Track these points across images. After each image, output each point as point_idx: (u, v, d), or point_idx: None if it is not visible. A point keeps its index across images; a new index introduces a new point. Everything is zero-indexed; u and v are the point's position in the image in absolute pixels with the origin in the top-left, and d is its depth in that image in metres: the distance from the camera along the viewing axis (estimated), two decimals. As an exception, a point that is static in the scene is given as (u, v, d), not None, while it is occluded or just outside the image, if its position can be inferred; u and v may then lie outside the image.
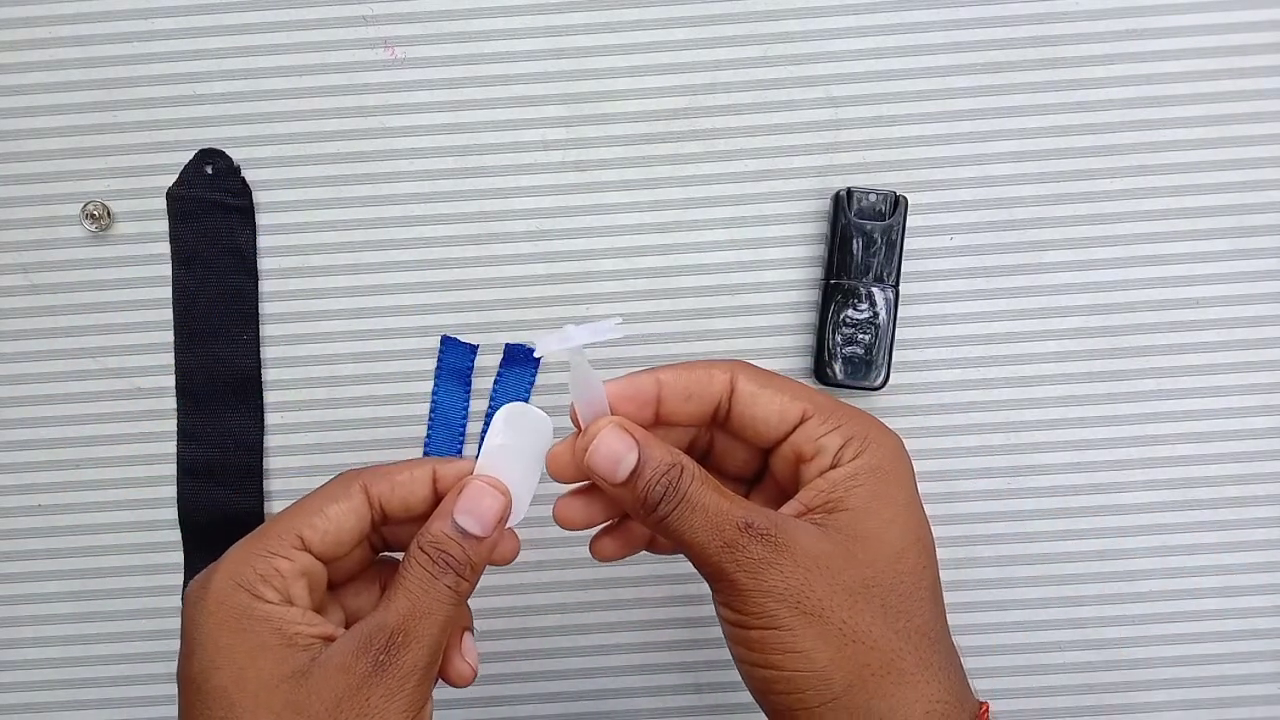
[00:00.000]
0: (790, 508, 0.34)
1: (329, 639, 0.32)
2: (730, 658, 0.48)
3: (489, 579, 0.48)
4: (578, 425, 0.34)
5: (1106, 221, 0.47)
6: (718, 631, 0.48)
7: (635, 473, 0.33)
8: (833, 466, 0.33)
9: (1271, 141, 0.47)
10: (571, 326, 0.32)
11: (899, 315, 0.47)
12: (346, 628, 0.34)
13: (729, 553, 0.32)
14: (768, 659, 0.32)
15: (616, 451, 0.33)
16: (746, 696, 0.48)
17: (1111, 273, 0.47)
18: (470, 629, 0.37)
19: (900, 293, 0.46)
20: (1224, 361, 0.48)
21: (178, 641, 0.48)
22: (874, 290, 0.46)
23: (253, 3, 0.47)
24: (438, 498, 0.34)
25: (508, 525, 0.35)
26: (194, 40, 0.47)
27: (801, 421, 0.34)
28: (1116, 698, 0.48)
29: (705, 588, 0.48)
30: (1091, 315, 0.48)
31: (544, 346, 0.32)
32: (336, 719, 0.31)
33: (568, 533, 0.48)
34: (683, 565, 0.48)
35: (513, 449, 0.35)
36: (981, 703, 0.34)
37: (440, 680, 0.36)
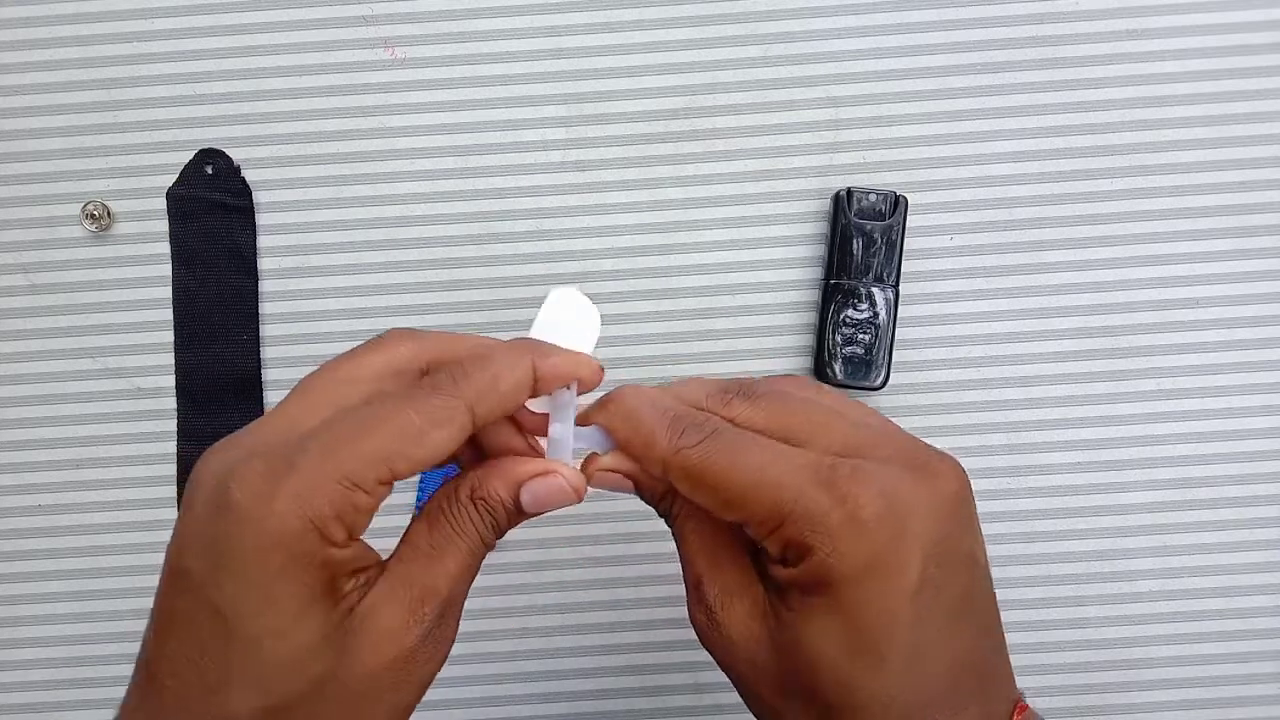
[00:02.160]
0: (773, 570, 0.31)
1: (361, 573, 0.29)
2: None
3: (488, 579, 0.48)
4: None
5: (1106, 221, 0.47)
6: (718, 631, 0.48)
7: (638, 490, 0.33)
8: (778, 562, 0.30)
9: (1271, 141, 0.47)
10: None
11: (899, 315, 0.47)
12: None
13: (687, 599, 0.32)
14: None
15: (613, 485, 0.33)
16: (746, 696, 0.48)
17: (1111, 273, 0.47)
18: None
19: (900, 293, 0.46)
20: (1224, 361, 0.48)
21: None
22: (874, 290, 0.46)
23: (253, 3, 0.47)
24: (533, 393, 0.31)
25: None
26: (194, 40, 0.47)
27: (741, 523, 0.30)
28: (1116, 698, 0.48)
29: (705, 588, 0.48)
30: (1091, 315, 0.48)
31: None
32: (377, 685, 0.28)
33: (568, 532, 0.48)
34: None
35: (564, 327, 0.34)
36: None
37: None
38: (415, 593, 0.29)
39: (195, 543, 0.27)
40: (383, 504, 0.28)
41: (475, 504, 0.30)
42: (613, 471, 0.32)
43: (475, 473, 0.31)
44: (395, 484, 0.28)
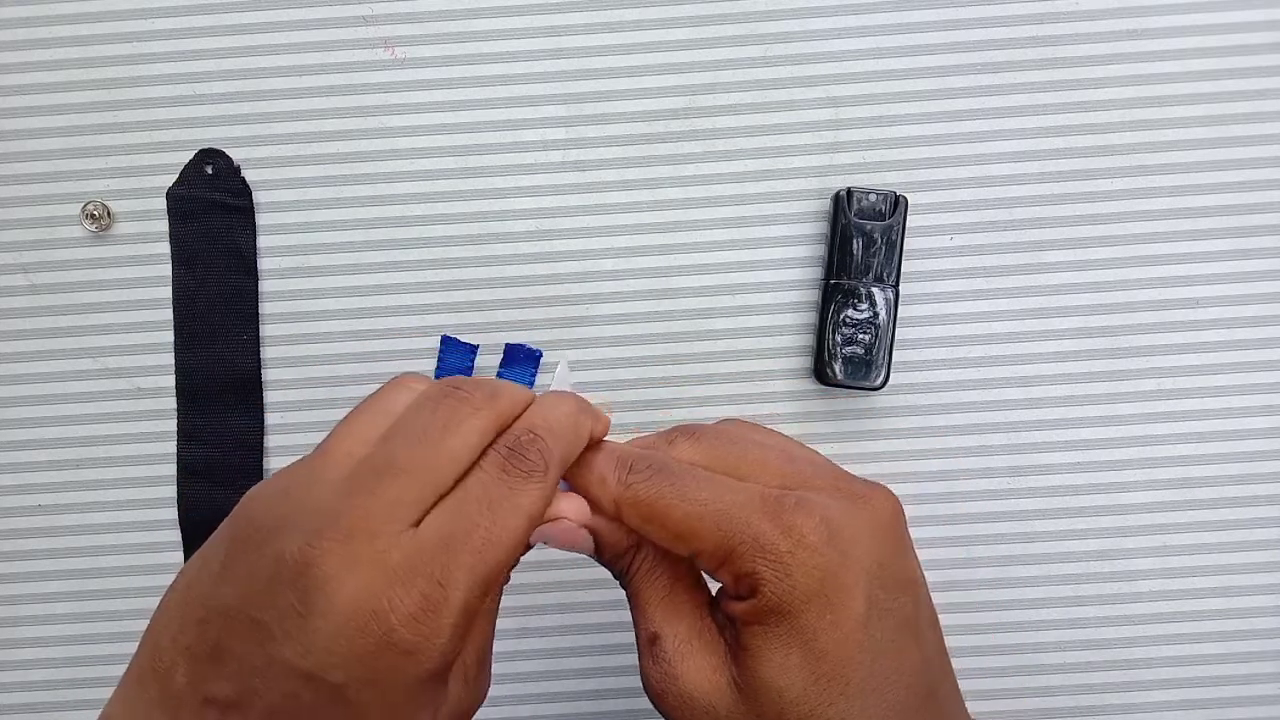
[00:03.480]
0: (725, 611, 0.32)
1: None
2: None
3: (489, 579, 0.48)
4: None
5: (1106, 221, 0.47)
6: (718, 631, 0.48)
7: (597, 550, 0.33)
8: (734, 599, 0.31)
9: (1271, 141, 0.47)
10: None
11: (899, 315, 0.47)
12: None
13: (640, 656, 0.33)
14: None
15: (573, 542, 0.33)
16: (746, 696, 0.48)
17: (1111, 273, 0.47)
18: None
19: (900, 293, 0.46)
20: (1224, 361, 0.47)
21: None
22: (874, 290, 0.46)
23: (253, 3, 0.47)
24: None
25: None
26: (194, 40, 0.47)
27: (694, 558, 0.31)
28: (1116, 698, 0.48)
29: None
30: (1091, 315, 0.48)
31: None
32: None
33: (568, 533, 0.48)
34: (683, 565, 0.48)
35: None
36: None
37: None
38: (463, 667, 0.31)
39: (340, 657, 0.27)
40: None
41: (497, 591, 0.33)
42: (570, 523, 0.32)
43: None
44: None
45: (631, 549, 0.33)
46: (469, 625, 0.28)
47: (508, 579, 0.33)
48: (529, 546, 0.31)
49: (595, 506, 0.32)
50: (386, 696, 0.27)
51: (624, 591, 0.34)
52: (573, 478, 0.33)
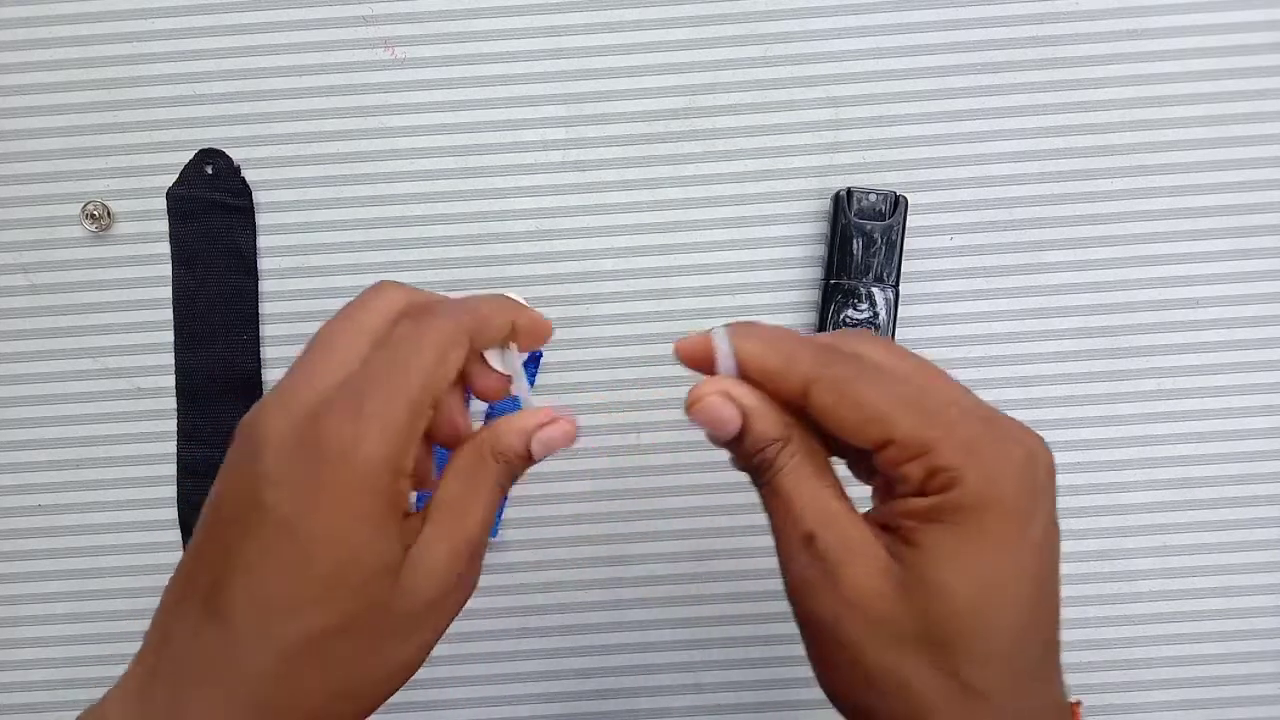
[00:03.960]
0: (873, 513, 0.31)
1: (410, 517, 0.31)
2: (726, 661, 0.48)
3: (488, 579, 0.48)
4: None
5: (1106, 221, 0.47)
6: (718, 632, 0.48)
7: (739, 436, 0.32)
8: (916, 494, 0.30)
9: (1271, 141, 0.47)
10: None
11: (899, 315, 0.47)
12: None
13: (787, 557, 0.31)
14: (813, 664, 0.32)
15: (718, 416, 0.32)
16: (746, 696, 0.48)
17: (1111, 273, 0.47)
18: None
19: (900, 293, 0.46)
20: (1224, 361, 0.47)
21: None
22: (874, 290, 0.46)
23: (253, 3, 0.47)
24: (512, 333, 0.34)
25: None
26: (194, 40, 0.47)
27: (881, 446, 0.30)
28: (1116, 698, 0.48)
29: (706, 588, 0.48)
30: (1091, 315, 0.48)
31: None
32: (418, 618, 0.31)
33: (568, 531, 0.48)
34: (683, 565, 0.48)
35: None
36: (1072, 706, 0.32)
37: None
38: (456, 539, 0.31)
39: (278, 482, 0.29)
40: None
41: (495, 459, 0.33)
42: (730, 400, 0.32)
43: (489, 431, 0.33)
44: None
45: (780, 440, 0.31)
46: (398, 441, 0.29)
47: (520, 474, 0.34)
48: (505, 394, 0.34)
49: (771, 384, 0.31)
50: (330, 519, 0.29)
51: (758, 492, 0.33)
52: (755, 356, 0.32)
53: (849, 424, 0.30)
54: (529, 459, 0.33)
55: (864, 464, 0.33)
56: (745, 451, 0.32)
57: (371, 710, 0.32)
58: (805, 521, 0.31)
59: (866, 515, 0.32)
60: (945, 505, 0.29)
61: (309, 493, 0.29)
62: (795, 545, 0.31)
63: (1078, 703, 0.33)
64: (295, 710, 0.30)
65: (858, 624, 0.30)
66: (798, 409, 0.32)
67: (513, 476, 0.33)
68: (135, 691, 0.30)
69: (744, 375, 0.32)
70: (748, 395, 0.32)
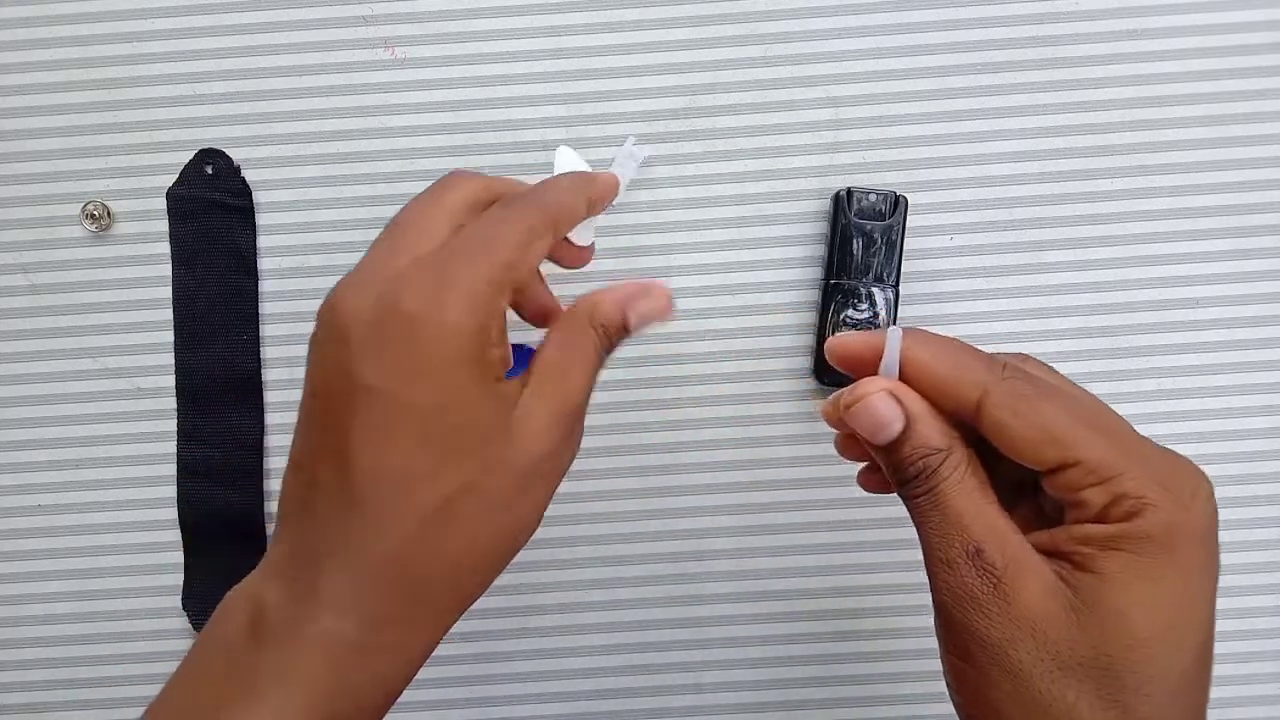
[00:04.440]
0: (1044, 537, 0.30)
1: (503, 381, 0.32)
2: (726, 661, 0.48)
3: (489, 579, 0.48)
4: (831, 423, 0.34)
5: (1106, 221, 0.47)
6: (718, 632, 0.48)
7: (897, 442, 0.31)
8: (1095, 520, 0.29)
9: (1271, 141, 0.47)
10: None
11: (899, 315, 0.47)
12: None
13: (946, 572, 0.30)
14: (959, 686, 0.31)
15: (881, 417, 0.31)
16: (747, 696, 0.48)
17: (1111, 273, 0.47)
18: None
19: (900, 293, 0.46)
20: (1224, 361, 0.47)
21: (177, 642, 0.48)
22: (874, 290, 0.46)
23: (253, 3, 0.47)
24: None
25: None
26: (194, 40, 0.47)
27: (1060, 468, 0.29)
28: (1116, 698, 0.48)
29: (706, 588, 0.48)
30: (1091, 315, 0.48)
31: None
32: (531, 474, 0.32)
33: (568, 531, 0.48)
34: (683, 565, 0.48)
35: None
36: None
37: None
38: (557, 400, 0.32)
39: (373, 359, 0.30)
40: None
41: (595, 328, 0.33)
42: (895, 400, 0.31)
43: (587, 302, 0.34)
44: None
45: (941, 451, 0.31)
46: (483, 310, 0.31)
47: (616, 345, 0.35)
48: (627, 330, 0.34)
49: (941, 393, 0.31)
50: (432, 387, 0.30)
51: (908, 503, 0.31)
52: (928, 361, 0.31)
53: (1027, 442, 0.29)
54: (626, 329, 0.34)
55: (1015, 487, 0.32)
56: (901, 460, 0.31)
57: (499, 570, 0.33)
58: (974, 534, 0.30)
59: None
60: (1130, 534, 0.29)
61: (405, 365, 0.30)
62: (959, 558, 0.30)
63: None
64: (434, 574, 0.31)
65: (1028, 645, 0.29)
66: (960, 424, 0.31)
67: (610, 346, 0.34)
68: (277, 570, 0.31)
69: (908, 382, 0.31)
70: (913, 399, 0.31)
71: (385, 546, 0.30)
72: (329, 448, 0.30)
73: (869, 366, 0.32)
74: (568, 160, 0.43)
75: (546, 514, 0.49)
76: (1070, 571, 0.29)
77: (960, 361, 0.31)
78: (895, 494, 0.33)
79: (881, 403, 0.31)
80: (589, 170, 0.38)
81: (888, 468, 0.32)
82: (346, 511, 0.30)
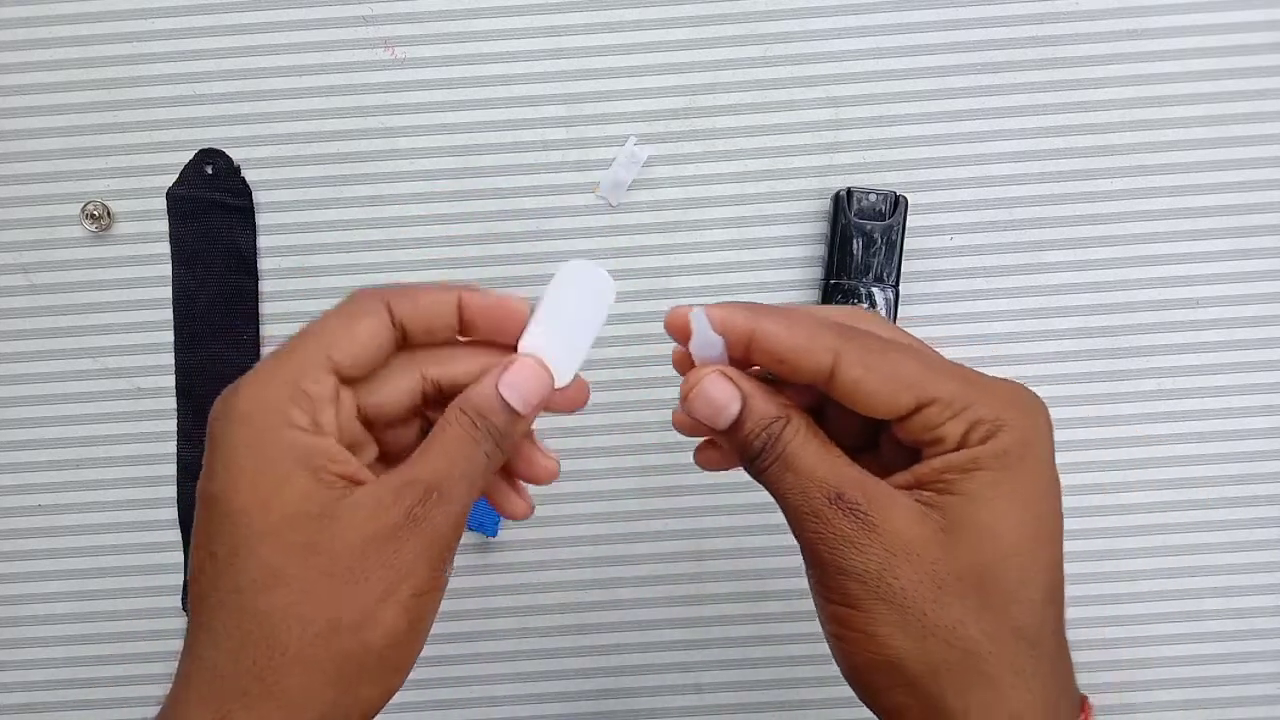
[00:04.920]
0: (900, 477, 0.31)
1: (354, 481, 0.31)
2: (726, 661, 0.48)
3: (489, 579, 0.48)
4: (681, 370, 0.33)
5: (1106, 221, 0.47)
6: (718, 632, 0.48)
7: (738, 421, 0.32)
8: (955, 449, 0.31)
9: (1271, 141, 0.47)
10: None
11: (899, 315, 0.47)
12: (384, 463, 0.33)
13: (813, 522, 0.31)
14: (843, 633, 0.31)
15: (718, 400, 0.32)
16: (747, 697, 0.48)
17: (1111, 273, 0.47)
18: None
19: (900, 293, 0.46)
20: (1224, 361, 0.47)
21: (177, 642, 0.48)
22: (874, 290, 0.46)
23: (253, 3, 0.47)
24: (463, 326, 0.33)
25: (557, 387, 0.33)
26: (194, 40, 0.47)
27: (917, 410, 0.31)
28: (1116, 698, 0.48)
29: (706, 588, 0.48)
30: (1091, 315, 0.48)
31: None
32: (361, 565, 0.30)
33: (568, 531, 0.48)
34: (683, 565, 0.48)
35: (571, 306, 0.33)
36: (1083, 701, 0.32)
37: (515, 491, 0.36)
38: (400, 480, 0.31)
39: (211, 465, 0.31)
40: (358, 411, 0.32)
41: (458, 409, 0.32)
42: (728, 380, 0.32)
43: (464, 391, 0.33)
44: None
45: (781, 418, 0.32)
46: (293, 397, 0.31)
47: (504, 427, 0.32)
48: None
49: (795, 361, 0.31)
50: (241, 479, 0.30)
51: (763, 478, 0.32)
52: (777, 334, 0.31)
53: (882, 393, 0.31)
54: (509, 410, 0.32)
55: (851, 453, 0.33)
56: (746, 436, 0.32)
57: (357, 666, 0.31)
58: (831, 481, 0.31)
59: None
60: (990, 453, 0.30)
61: (210, 456, 0.31)
62: (823, 507, 0.31)
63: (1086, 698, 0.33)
64: (292, 665, 0.30)
65: (906, 569, 0.30)
66: (808, 389, 0.32)
67: (489, 428, 0.32)
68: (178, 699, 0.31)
69: (762, 356, 0.32)
70: (741, 378, 0.32)
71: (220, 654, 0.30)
72: (196, 559, 0.31)
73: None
74: (568, 288, 0.34)
75: (547, 514, 0.49)
76: (935, 498, 0.31)
77: (809, 329, 0.31)
78: (740, 469, 0.33)
79: (714, 384, 0.32)
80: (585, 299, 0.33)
81: (736, 448, 0.33)
82: (192, 610, 0.31)
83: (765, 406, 0.32)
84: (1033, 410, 0.32)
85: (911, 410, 0.31)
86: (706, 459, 0.36)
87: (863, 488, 0.31)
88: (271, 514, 0.30)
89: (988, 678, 0.30)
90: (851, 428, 0.34)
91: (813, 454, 0.31)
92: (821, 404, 0.34)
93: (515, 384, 0.32)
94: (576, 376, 0.34)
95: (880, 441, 0.34)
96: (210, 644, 0.30)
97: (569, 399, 0.34)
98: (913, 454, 0.32)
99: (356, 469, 0.31)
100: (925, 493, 0.31)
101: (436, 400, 0.33)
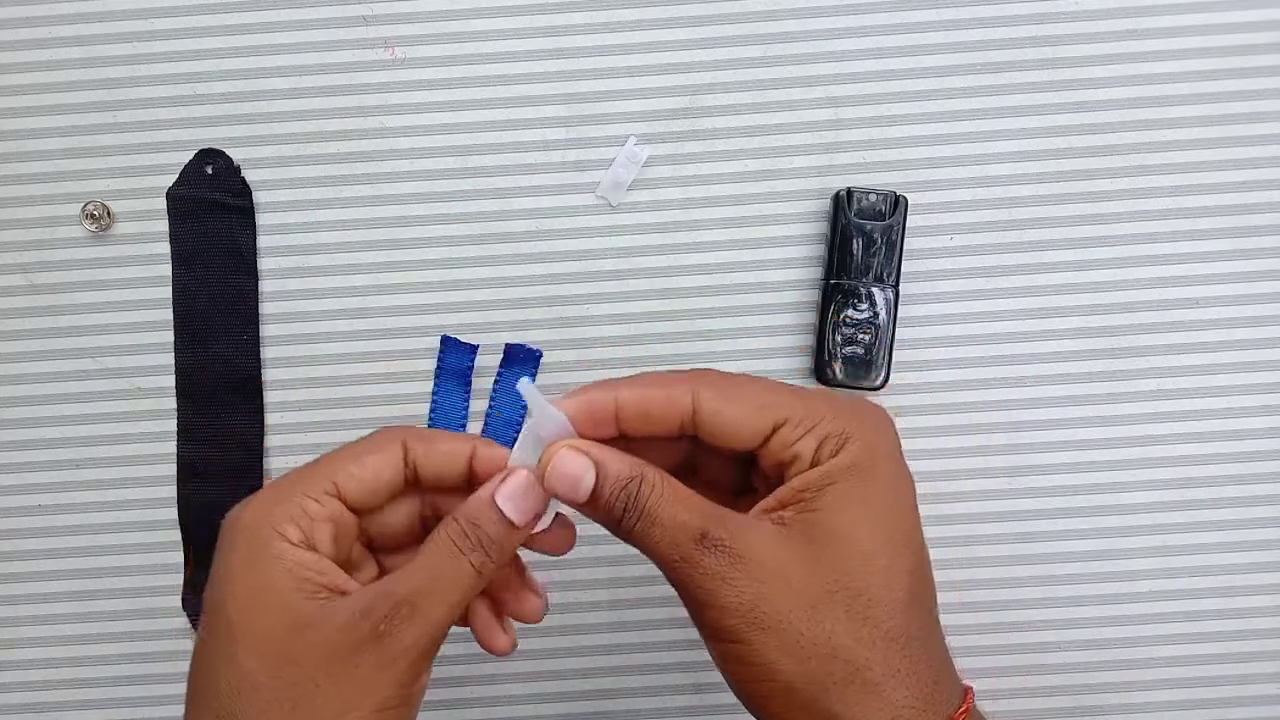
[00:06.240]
0: (764, 503, 0.33)
1: (340, 592, 0.32)
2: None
3: (489, 579, 0.48)
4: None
5: (1106, 221, 0.47)
6: (718, 631, 0.48)
7: (595, 489, 0.33)
8: (811, 466, 0.32)
9: (1271, 141, 0.47)
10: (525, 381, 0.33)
11: (899, 315, 0.47)
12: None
13: (684, 567, 0.32)
14: (733, 668, 0.33)
15: (573, 472, 0.33)
16: (746, 696, 0.48)
17: (1111, 273, 0.47)
18: (527, 583, 0.38)
19: (900, 293, 0.46)
20: (1224, 361, 0.48)
21: (177, 642, 0.48)
22: (874, 290, 0.46)
23: (253, 3, 0.47)
24: (472, 477, 0.35)
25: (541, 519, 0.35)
26: (194, 40, 0.47)
27: (774, 431, 0.33)
28: (1116, 698, 0.48)
29: (705, 588, 0.48)
30: (1091, 315, 0.48)
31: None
32: (325, 678, 0.31)
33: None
34: (683, 565, 0.48)
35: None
36: (965, 690, 0.33)
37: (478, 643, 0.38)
38: (373, 593, 0.32)
39: (215, 577, 0.33)
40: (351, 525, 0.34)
41: (451, 519, 0.33)
42: (579, 452, 0.33)
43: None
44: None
45: (636, 477, 0.33)
46: (293, 517, 0.32)
47: (493, 538, 0.34)
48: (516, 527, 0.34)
49: (658, 415, 0.33)
50: (236, 589, 0.32)
51: (629, 538, 0.33)
52: (636, 398, 0.33)
53: (742, 419, 0.33)
54: (501, 519, 0.33)
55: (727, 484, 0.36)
56: (607, 503, 0.33)
57: None
58: (694, 524, 0.32)
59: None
60: (840, 465, 0.32)
61: (215, 568, 0.33)
62: (691, 550, 0.32)
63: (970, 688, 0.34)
64: None
65: (777, 595, 0.31)
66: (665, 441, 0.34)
67: (479, 541, 0.33)
68: None
69: (625, 423, 0.33)
70: (590, 445, 0.33)
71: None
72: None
73: (606, 426, 0.34)
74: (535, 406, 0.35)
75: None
76: (795, 517, 0.32)
77: (662, 382, 0.33)
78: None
79: (567, 459, 0.33)
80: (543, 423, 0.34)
81: (599, 518, 0.33)
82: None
83: (619, 468, 0.33)
84: (875, 419, 0.33)
85: (769, 433, 0.32)
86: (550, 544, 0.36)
87: (724, 523, 0.32)
88: (254, 625, 0.31)
89: (870, 685, 0.31)
90: (724, 475, 0.36)
91: (671, 503, 0.32)
92: (687, 460, 0.36)
93: (511, 494, 0.33)
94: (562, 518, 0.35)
95: (754, 483, 0.36)
96: None
97: (557, 538, 0.36)
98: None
99: (343, 581, 0.32)
100: (786, 513, 0.32)
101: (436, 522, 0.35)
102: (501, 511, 0.33)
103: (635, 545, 0.33)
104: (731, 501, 0.35)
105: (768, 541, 0.32)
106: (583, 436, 0.34)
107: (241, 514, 0.33)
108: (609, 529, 0.34)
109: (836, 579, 0.31)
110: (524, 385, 0.33)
